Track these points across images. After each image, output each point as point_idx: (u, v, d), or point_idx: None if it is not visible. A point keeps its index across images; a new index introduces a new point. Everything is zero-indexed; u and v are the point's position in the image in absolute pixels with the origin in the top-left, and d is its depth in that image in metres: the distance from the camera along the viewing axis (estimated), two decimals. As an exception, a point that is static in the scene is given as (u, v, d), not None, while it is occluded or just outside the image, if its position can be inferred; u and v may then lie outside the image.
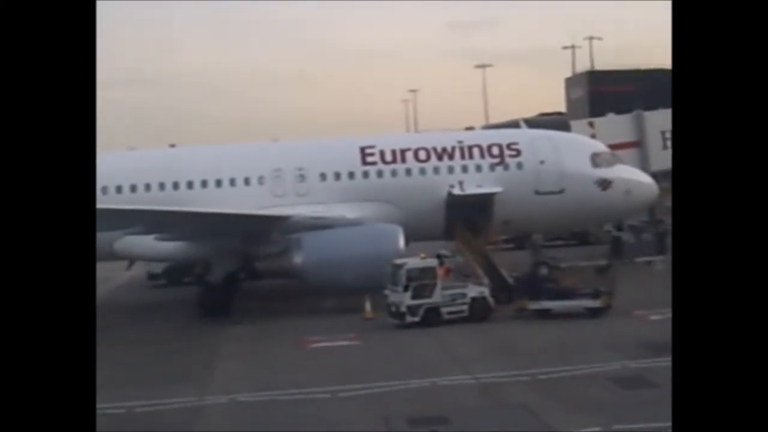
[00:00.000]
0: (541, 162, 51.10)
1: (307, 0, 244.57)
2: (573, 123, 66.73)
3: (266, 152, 54.74)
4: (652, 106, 61.73)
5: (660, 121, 59.38)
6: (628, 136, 61.19)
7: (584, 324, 40.24)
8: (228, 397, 31.24)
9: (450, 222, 49.89)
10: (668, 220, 56.29)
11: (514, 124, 61.42)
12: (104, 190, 49.68)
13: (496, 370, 32.69)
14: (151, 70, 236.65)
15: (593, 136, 58.23)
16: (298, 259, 45.25)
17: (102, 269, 58.34)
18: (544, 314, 42.05)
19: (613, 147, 55.64)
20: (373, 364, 35.16)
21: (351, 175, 50.79)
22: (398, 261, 42.28)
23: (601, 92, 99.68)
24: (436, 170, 50.92)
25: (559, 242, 65.80)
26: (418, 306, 41.21)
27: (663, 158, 57.38)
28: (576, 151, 52.13)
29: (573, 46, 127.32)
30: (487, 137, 54.68)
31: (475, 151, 51.42)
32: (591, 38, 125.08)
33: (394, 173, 50.93)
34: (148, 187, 50.54)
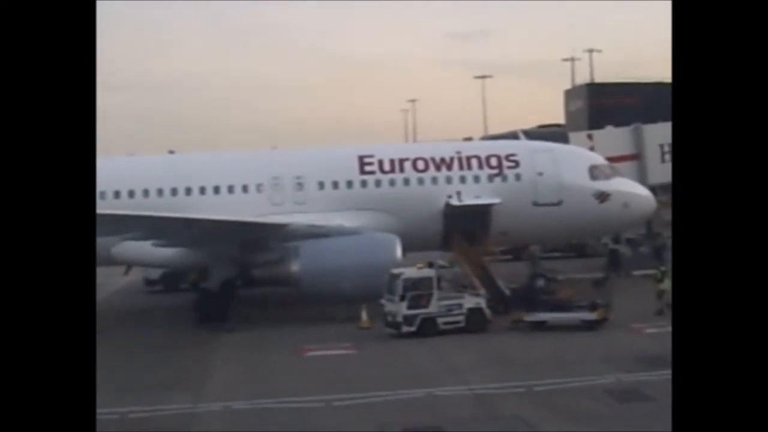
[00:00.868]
0: (540, 174, 51.14)
1: (308, 8, 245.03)
2: (572, 135, 66.88)
3: (265, 160, 54.75)
4: (651, 120, 61.94)
5: (659, 134, 59.54)
6: (626, 149, 61.31)
7: (580, 336, 40.20)
8: (222, 404, 31.19)
9: (447, 232, 49.92)
10: (666, 233, 56.35)
11: (512, 136, 61.51)
12: (102, 195, 49.62)
13: (492, 381, 32.65)
14: (151, 75, 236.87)
15: (592, 149, 58.37)
16: (295, 267, 45.21)
17: (99, 274, 58.11)
18: (540, 326, 42.04)
19: (612, 160, 55.73)
20: (369, 373, 35.12)
21: (349, 184, 50.82)
22: (395, 271, 42.25)
23: (600, 105, 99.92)
24: (434, 180, 50.96)
25: (557, 254, 65.82)
26: (415, 316, 41.16)
27: (661, 171, 57.51)
28: (574, 164, 52.20)
29: (573, 59, 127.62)
30: (485, 148, 54.76)
31: (474, 161, 51.48)
32: (591, 51, 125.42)
33: (392, 183, 50.95)
34: (146, 192, 50.55)
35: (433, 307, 41.58)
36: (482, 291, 44.53)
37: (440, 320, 41.60)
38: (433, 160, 51.45)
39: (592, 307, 42.44)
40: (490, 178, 51.15)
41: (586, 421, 27.60)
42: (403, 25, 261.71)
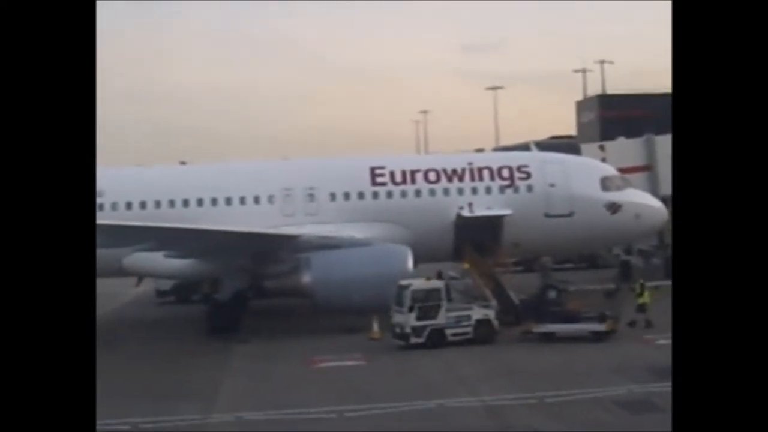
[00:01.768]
0: (551, 185, 51.12)
1: (321, 19, 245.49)
2: (583, 146, 66.82)
3: (277, 171, 54.78)
4: (662, 131, 61.76)
5: (670, 145, 59.38)
6: (638, 160, 61.21)
7: (592, 348, 40.13)
8: (234, 415, 31.22)
9: (459, 244, 49.90)
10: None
11: (524, 147, 61.48)
12: (114, 206, 49.89)
13: (503, 393, 32.62)
14: (163, 86, 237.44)
15: (604, 160, 58.33)
16: (306, 278, 45.24)
17: (111, 285, 58.80)
18: (549, 337, 42.00)
19: (624, 171, 55.65)
20: (380, 384, 35.12)
21: (360, 195, 50.85)
22: (403, 282, 42.21)
23: (612, 116, 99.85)
24: (445, 192, 50.97)
25: (569, 265, 65.71)
26: (423, 327, 41.09)
27: (673, 183, 57.36)
28: (586, 175, 52.19)
29: (584, 70, 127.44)
30: (497, 159, 54.73)
31: (485, 173, 51.49)
32: (602, 62, 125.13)
33: (403, 194, 50.98)
34: (158, 203, 50.62)
35: (442, 319, 41.50)
36: (493, 302, 44.55)
37: (448, 331, 41.52)
38: (444, 171, 51.46)
39: (601, 319, 42.38)
40: (502, 189, 51.15)
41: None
42: (415, 36, 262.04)
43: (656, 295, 46.00)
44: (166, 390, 35.55)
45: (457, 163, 52.28)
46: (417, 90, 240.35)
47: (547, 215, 50.73)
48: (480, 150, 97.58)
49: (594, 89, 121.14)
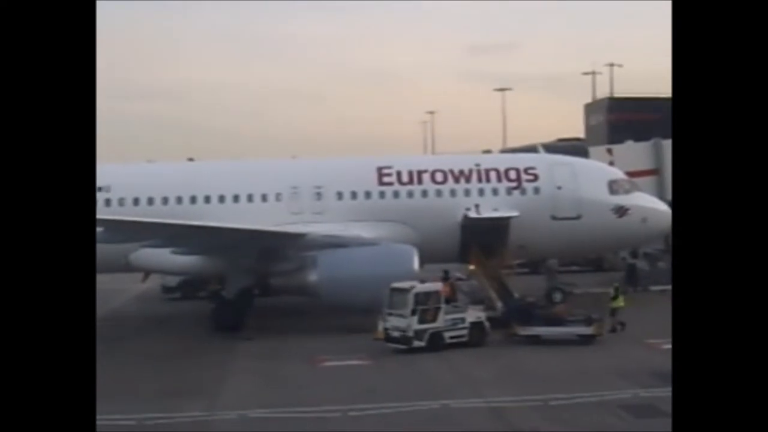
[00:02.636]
0: (559, 187, 51.11)
1: (330, 19, 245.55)
2: (591, 149, 66.83)
3: (284, 169, 54.82)
4: (670, 135, 61.65)
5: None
6: (646, 164, 61.20)
7: (596, 351, 40.11)
8: (237, 412, 31.24)
9: (465, 245, 49.88)
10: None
11: (532, 149, 61.42)
12: (121, 201, 50.04)
13: (508, 395, 32.63)
14: (172, 84, 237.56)
15: (611, 163, 58.31)
16: (312, 276, 45.25)
17: (117, 281, 59.14)
18: (535, 340, 42.00)
19: (631, 174, 55.64)
20: (384, 384, 35.11)
21: (367, 194, 50.88)
22: (400, 285, 41.93)
23: (620, 119, 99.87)
24: (452, 193, 50.96)
25: (575, 268, 65.69)
26: (424, 330, 40.94)
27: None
28: (593, 178, 52.17)
29: (593, 72, 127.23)
30: (504, 161, 54.68)
31: (492, 174, 51.50)
32: (611, 65, 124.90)
33: (410, 194, 51.00)
34: (165, 200, 50.69)
35: (441, 322, 41.34)
36: (499, 304, 44.62)
37: (447, 334, 41.39)
38: (451, 172, 51.47)
39: (588, 322, 42.36)
40: (509, 191, 51.15)
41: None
42: (423, 37, 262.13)
43: (663, 299, 45.94)
44: (171, 387, 35.56)
45: (465, 164, 52.26)
46: (424, 91, 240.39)
47: (554, 218, 50.72)
48: (487, 151, 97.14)
49: (603, 92, 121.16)
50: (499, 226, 49.81)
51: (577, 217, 50.74)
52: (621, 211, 51.12)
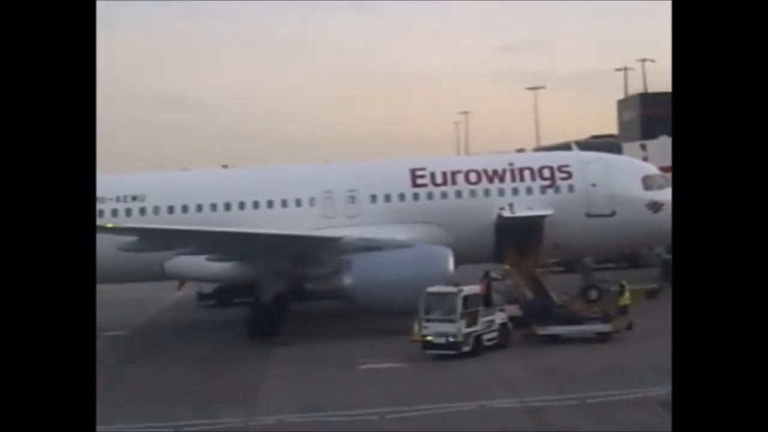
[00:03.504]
0: (593, 185, 50.86)
1: (359, 22, 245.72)
2: (625, 145, 66.57)
3: (317, 174, 54.85)
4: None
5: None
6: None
7: (630, 347, 39.82)
8: (275, 417, 31.31)
9: (500, 244, 49.74)
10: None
11: (565, 147, 61.22)
12: (156, 210, 50.24)
13: (545, 394, 32.53)
14: (203, 91, 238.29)
15: (645, 159, 58.08)
16: (348, 280, 45.25)
17: (152, 289, 59.41)
18: (554, 339, 41.73)
19: (666, 170, 55.24)
20: (421, 386, 35.08)
21: (401, 197, 50.82)
22: (443, 289, 41.46)
23: (654, 114, 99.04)
24: (486, 192, 50.82)
25: (610, 265, 65.31)
26: (469, 334, 40.22)
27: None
28: (628, 174, 51.90)
29: (625, 68, 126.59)
30: (538, 159, 54.56)
31: (526, 173, 51.33)
32: (644, 60, 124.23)
33: (444, 195, 50.90)
34: (199, 207, 50.80)
35: (480, 324, 40.88)
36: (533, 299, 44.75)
37: (484, 337, 41.02)
38: (485, 172, 51.33)
39: (606, 319, 42.07)
40: (543, 189, 50.95)
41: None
42: (454, 37, 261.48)
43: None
44: (208, 394, 35.67)
45: (498, 163, 52.11)
46: (457, 91, 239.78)
47: (589, 215, 50.47)
48: (521, 150, 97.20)
49: (635, 88, 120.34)
50: (533, 225, 49.63)
51: (612, 214, 50.46)
52: (656, 206, 50.74)
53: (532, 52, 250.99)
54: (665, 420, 28.61)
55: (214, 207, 50.84)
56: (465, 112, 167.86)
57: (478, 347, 40.31)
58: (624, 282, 46.36)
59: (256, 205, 50.83)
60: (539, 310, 44.43)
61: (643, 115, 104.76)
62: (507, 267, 49.34)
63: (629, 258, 67.09)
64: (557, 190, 50.97)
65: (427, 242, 47.20)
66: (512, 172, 51.37)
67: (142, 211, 50.31)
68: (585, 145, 62.40)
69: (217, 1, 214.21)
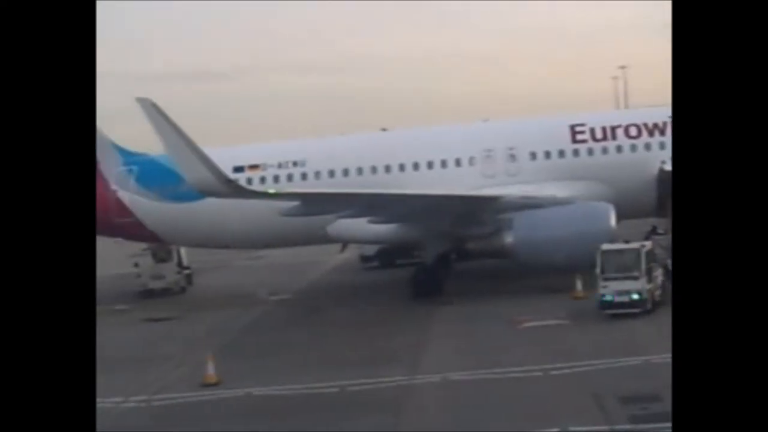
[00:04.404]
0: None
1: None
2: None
3: (476, 133, 54.77)
4: None
5: None
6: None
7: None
8: (440, 375, 31.49)
9: (662, 199, 48.88)
10: None
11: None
12: (317, 175, 50.88)
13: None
14: (358, 55, 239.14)
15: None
16: (509, 239, 45.11)
17: (315, 252, 60.33)
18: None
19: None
20: (584, 342, 34.83)
21: (561, 153, 50.33)
22: (622, 246, 40.55)
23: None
24: (647, 146, 49.91)
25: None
26: (650, 291, 39.06)
27: None
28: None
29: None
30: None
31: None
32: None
33: (604, 151, 50.22)
34: (360, 170, 51.18)
35: (653, 281, 39.64)
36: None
37: (656, 293, 40.13)
38: (645, 125, 50.41)
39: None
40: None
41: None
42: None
43: None
44: (372, 353, 36.11)
45: (658, 116, 51.03)
46: (615, 46, 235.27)
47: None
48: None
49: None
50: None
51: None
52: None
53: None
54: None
55: (374, 170, 51.17)
56: (624, 67, 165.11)
57: (655, 305, 39.20)
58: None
59: (416, 166, 50.98)
60: None
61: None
62: (670, 221, 48.41)
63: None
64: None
65: (588, 199, 46.69)
66: (674, 124, 50.37)
67: (303, 176, 50.98)
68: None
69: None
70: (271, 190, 47.02)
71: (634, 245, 40.05)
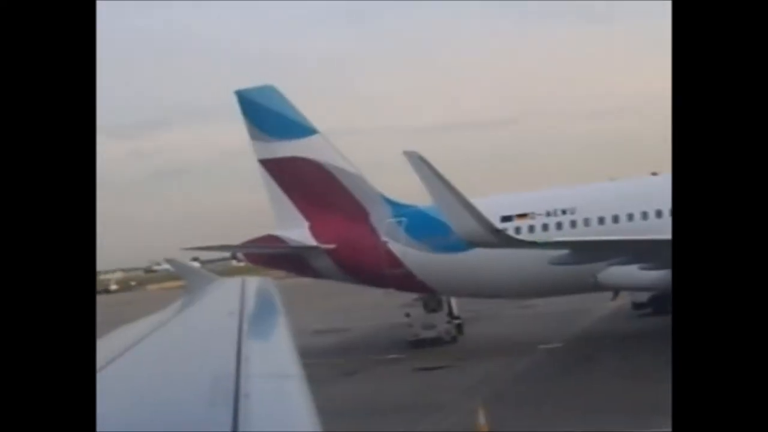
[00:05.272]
0: None
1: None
2: None
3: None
4: None
5: None
6: None
7: None
8: None
9: None
10: None
11: None
12: (587, 221, 50.52)
13: None
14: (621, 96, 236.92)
15: None
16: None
17: (585, 300, 59.80)
18: None
19: None
20: None
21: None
22: None
23: None
24: None
25: None
26: None
27: None
28: None
29: None
30: None
31: None
32: None
33: None
34: (630, 216, 50.52)
35: None
36: None
37: None
38: None
39: None
40: None
41: None
42: None
43: None
44: (638, 403, 35.32)
45: None
46: None
47: None
48: None
49: None
50: None
51: None
52: None
53: None
54: None
55: (645, 215, 50.42)
56: None
57: None
58: None
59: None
60: None
61: None
62: None
63: None
64: None
65: None
66: None
67: (573, 223, 50.77)
68: None
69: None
70: (540, 240, 47.09)
71: None
